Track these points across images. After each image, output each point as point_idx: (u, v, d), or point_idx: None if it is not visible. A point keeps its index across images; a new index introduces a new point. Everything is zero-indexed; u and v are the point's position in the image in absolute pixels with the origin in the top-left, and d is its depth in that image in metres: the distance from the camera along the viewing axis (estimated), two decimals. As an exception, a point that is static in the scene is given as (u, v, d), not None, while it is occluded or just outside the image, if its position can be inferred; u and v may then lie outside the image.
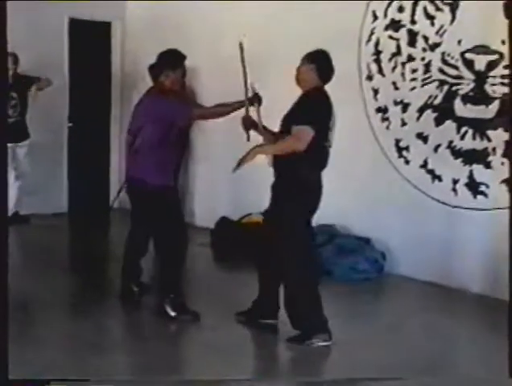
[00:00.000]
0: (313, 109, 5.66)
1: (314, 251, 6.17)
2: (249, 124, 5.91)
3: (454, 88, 7.18)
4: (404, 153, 7.61)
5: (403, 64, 7.54)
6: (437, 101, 7.32)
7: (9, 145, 9.09)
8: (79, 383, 4.63)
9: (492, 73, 6.86)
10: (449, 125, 7.25)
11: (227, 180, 9.16)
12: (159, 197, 6.06)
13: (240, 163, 5.60)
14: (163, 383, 4.83)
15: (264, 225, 6.02)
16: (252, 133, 5.93)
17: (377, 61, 7.77)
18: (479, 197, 7.09)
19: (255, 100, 5.89)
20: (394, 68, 7.62)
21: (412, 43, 7.47)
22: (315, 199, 5.81)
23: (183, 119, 6.28)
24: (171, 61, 6.17)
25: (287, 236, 5.66)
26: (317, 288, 5.73)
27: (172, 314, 6.06)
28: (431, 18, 7.33)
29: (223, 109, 6.14)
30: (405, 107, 7.57)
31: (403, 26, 7.52)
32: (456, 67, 7.14)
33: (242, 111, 5.91)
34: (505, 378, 4.34)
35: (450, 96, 7.22)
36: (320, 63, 5.76)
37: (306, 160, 5.60)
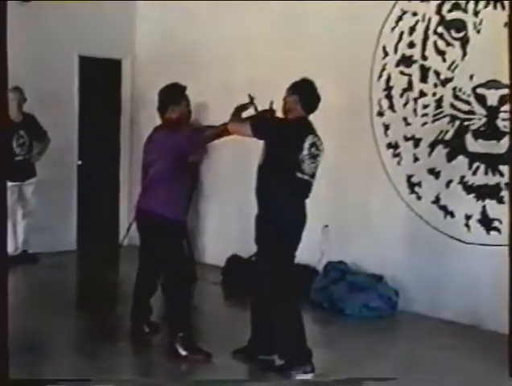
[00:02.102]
0: (278, 130, 5.71)
1: (296, 282, 6.08)
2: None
3: (466, 124, 7.14)
4: (416, 188, 7.56)
5: (415, 100, 7.52)
6: (448, 136, 7.28)
7: (16, 183, 9.12)
8: (80, 384, 4.57)
9: (504, 108, 6.81)
10: (461, 160, 7.20)
11: (237, 217, 9.12)
12: (168, 230, 6.01)
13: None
14: (163, 384, 4.76)
15: (254, 263, 6.08)
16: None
17: (389, 97, 7.74)
18: (492, 233, 7.01)
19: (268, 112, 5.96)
20: (405, 104, 7.59)
21: (424, 78, 7.45)
22: (293, 230, 5.76)
23: (194, 146, 6.28)
24: (173, 95, 6.23)
25: (268, 271, 5.69)
26: (301, 319, 5.74)
27: (183, 353, 5.97)
28: (441, 53, 7.31)
29: (231, 121, 5.99)
30: (416, 142, 7.53)
31: (415, 61, 7.51)
32: (467, 102, 7.11)
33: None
34: (505, 378, 4.27)
35: (461, 132, 7.18)
36: (303, 93, 5.77)
37: (279, 191, 5.64)
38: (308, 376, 5.63)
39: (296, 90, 5.77)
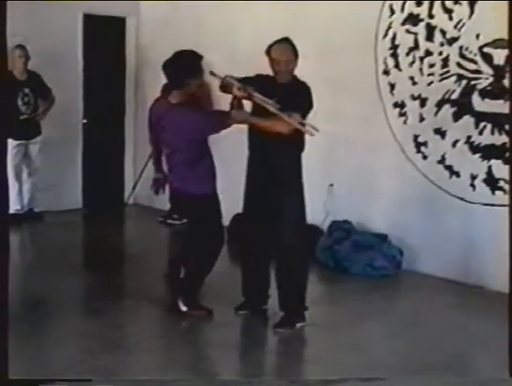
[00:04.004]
0: (311, 101, 5.73)
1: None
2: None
3: (472, 83, 7.10)
4: (422, 148, 7.54)
5: (421, 59, 7.47)
6: (455, 96, 7.25)
7: (22, 141, 9.12)
8: (80, 384, 4.61)
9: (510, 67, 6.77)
10: (467, 120, 7.17)
11: (241, 177, 9.11)
12: (206, 206, 5.95)
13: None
14: (164, 383, 4.79)
15: (252, 218, 6.15)
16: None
17: (394, 56, 7.69)
18: (497, 193, 7.01)
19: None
20: (411, 63, 7.54)
21: (430, 37, 7.39)
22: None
23: (214, 128, 5.84)
24: (190, 68, 5.76)
25: (297, 226, 5.80)
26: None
27: (184, 309, 6.03)
28: (449, 11, 7.24)
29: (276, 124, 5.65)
30: (423, 102, 7.49)
31: (421, 20, 7.45)
32: (474, 62, 7.06)
33: None
34: (505, 378, 4.29)
35: (468, 91, 7.14)
36: (296, 53, 5.77)
37: (298, 147, 5.78)
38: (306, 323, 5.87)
39: (297, 54, 5.77)
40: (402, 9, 7.60)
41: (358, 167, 8.08)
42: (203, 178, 5.91)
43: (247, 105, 5.89)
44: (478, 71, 7.04)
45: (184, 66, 5.75)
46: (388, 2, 7.67)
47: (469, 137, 7.16)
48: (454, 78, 7.24)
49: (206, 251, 6.09)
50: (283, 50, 5.72)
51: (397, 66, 7.69)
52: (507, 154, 6.87)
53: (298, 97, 5.69)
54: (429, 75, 7.44)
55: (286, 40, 5.78)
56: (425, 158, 7.53)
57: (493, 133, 6.99)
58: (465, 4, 7.11)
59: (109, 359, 5.12)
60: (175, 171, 5.98)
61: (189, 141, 5.73)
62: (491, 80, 6.96)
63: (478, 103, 7.08)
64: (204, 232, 6.06)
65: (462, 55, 7.16)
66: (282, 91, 5.65)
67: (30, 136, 9.30)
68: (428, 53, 7.42)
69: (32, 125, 9.32)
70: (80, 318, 6.16)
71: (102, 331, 5.71)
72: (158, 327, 6.10)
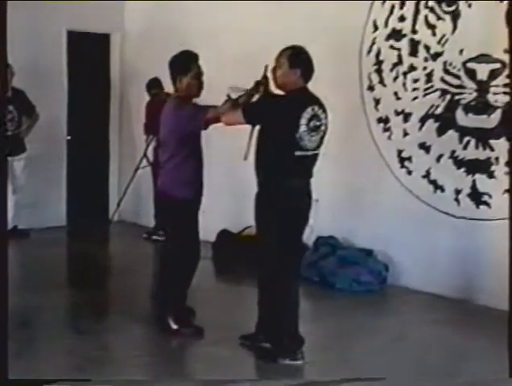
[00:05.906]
0: (271, 113, 5.42)
1: (298, 268, 5.95)
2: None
3: (456, 98, 7.13)
4: (406, 163, 7.55)
5: (405, 74, 7.49)
6: (439, 111, 7.27)
7: (6, 158, 9.05)
8: (80, 384, 4.59)
9: (494, 82, 6.81)
10: (451, 134, 7.20)
11: (227, 192, 9.11)
12: (177, 209, 5.94)
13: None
14: (163, 383, 4.78)
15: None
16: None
17: (379, 71, 7.72)
18: (482, 207, 7.02)
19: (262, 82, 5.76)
20: (395, 78, 7.57)
21: (414, 52, 7.43)
22: (293, 208, 5.47)
23: (197, 125, 5.91)
24: (181, 65, 5.98)
25: (271, 254, 5.50)
26: (297, 305, 5.61)
27: (174, 327, 5.98)
28: (432, 27, 7.28)
29: (223, 112, 5.79)
30: (406, 117, 7.52)
31: (405, 35, 7.48)
32: (458, 77, 7.09)
33: None
34: (505, 378, 4.29)
35: (452, 106, 7.17)
36: (304, 66, 5.49)
37: (275, 169, 5.43)
38: (297, 363, 5.48)
39: (298, 63, 5.46)
40: (386, 24, 7.63)
41: (343, 182, 8.08)
42: (180, 179, 5.92)
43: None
44: (462, 86, 7.07)
45: (176, 64, 6.03)
46: (372, 18, 7.70)
47: (453, 152, 7.19)
48: (438, 93, 7.27)
49: (178, 258, 6.04)
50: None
51: (381, 81, 7.71)
52: (491, 169, 6.89)
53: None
54: (413, 90, 7.46)
55: (288, 48, 5.56)
56: (409, 173, 7.54)
57: (477, 147, 7.02)
58: (448, 19, 7.14)
59: (96, 376, 5.07)
60: (161, 170, 6.09)
61: (169, 137, 5.90)
62: (475, 94, 6.99)
63: (462, 118, 7.11)
64: (177, 238, 6.05)
65: (446, 70, 7.19)
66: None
67: (14, 153, 9.26)
68: (412, 68, 7.45)
69: (16, 141, 9.29)
70: (65, 336, 6.07)
71: (88, 349, 5.66)
72: (146, 345, 6.05)
